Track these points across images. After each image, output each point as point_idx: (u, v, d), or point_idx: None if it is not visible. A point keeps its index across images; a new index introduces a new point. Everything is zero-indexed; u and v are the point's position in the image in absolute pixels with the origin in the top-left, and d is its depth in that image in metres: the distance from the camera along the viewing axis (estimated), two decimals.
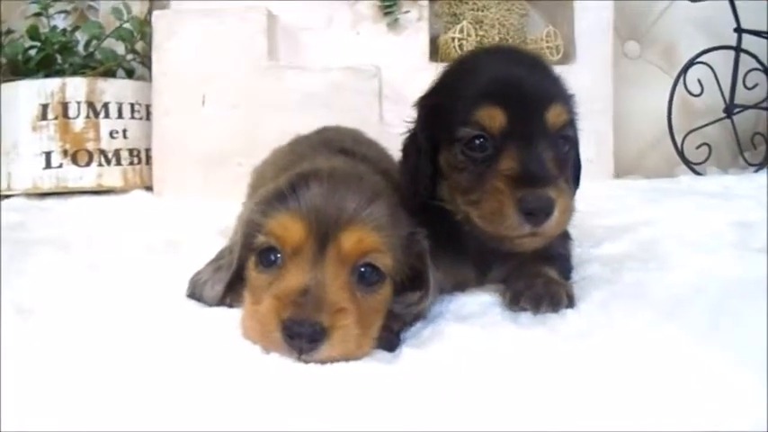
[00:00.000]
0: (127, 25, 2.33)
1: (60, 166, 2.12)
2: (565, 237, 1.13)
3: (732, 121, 2.50)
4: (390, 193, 0.96)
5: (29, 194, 2.12)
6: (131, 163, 2.20)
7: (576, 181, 1.13)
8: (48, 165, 2.11)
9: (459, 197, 1.01)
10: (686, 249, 1.18)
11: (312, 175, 0.90)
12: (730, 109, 2.48)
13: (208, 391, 0.71)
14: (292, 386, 0.73)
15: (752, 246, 1.22)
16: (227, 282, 0.96)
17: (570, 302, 0.94)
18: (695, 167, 2.44)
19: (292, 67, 2.15)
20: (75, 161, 2.12)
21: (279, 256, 0.86)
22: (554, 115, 0.98)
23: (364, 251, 0.86)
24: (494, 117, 0.96)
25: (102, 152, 2.14)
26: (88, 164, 2.13)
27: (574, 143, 1.08)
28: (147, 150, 2.23)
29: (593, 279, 1.07)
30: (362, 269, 0.87)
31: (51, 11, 2.44)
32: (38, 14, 2.38)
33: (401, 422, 0.67)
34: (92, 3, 2.70)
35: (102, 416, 0.66)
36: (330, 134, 1.37)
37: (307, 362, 0.77)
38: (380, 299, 0.89)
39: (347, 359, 0.79)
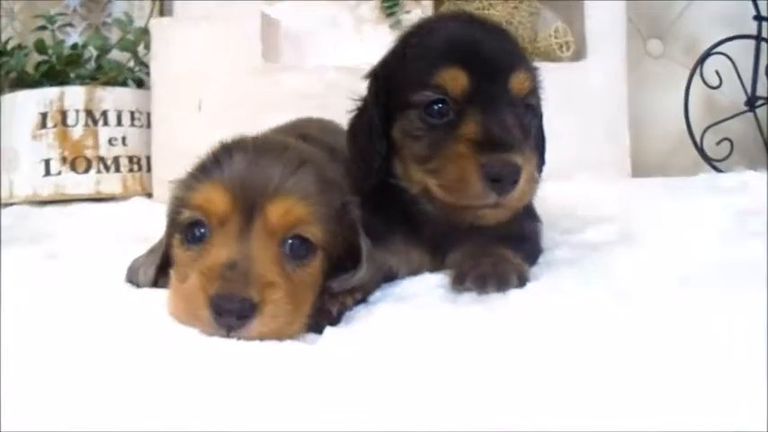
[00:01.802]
0: (130, 36, 2.33)
1: (59, 173, 2.11)
2: (530, 217, 1.06)
3: (755, 115, 2.39)
4: (319, 160, 0.91)
5: (30, 202, 2.11)
6: (131, 170, 2.18)
7: (540, 157, 1.06)
8: (47, 172, 2.11)
9: (415, 168, 0.95)
10: (666, 234, 1.09)
11: (235, 145, 0.86)
12: (752, 101, 2.36)
13: (128, 370, 0.66)
14: (210, 366, 0.68)
15: (748, 230, 1.13)
16: (158, 264, 0.92)
17: (521, 283, 0.86)
18: (717, 164, 2.33)
19: (287, 68, 2.12)
20: (73, 168, 2.11)
21: (204, 230, 0.82)
22: (518, 81, 0.93)
23: (293, 222, 0.82)
24: (456, 79, 0.91)
25: (101, 159, 2.13)
26: (87, 171, 2.11)
27: (537, 114, 1.01)
28: (148, 157, 2.21)
29: (557, 262, 1.00)
30: (291, 241, 0.82)
31: (58, 23, 2.45)
32: (43, 28, 2.39)
33: (321, 404, 0.62)
34: (106, 19, 2.73)
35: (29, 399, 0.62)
36: (300, 123, 1.33)
37: (237, 339, 0.73)
38: (312, 272, 0.85)
39: (279, 336, 0.75)
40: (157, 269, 0.93)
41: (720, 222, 1.21)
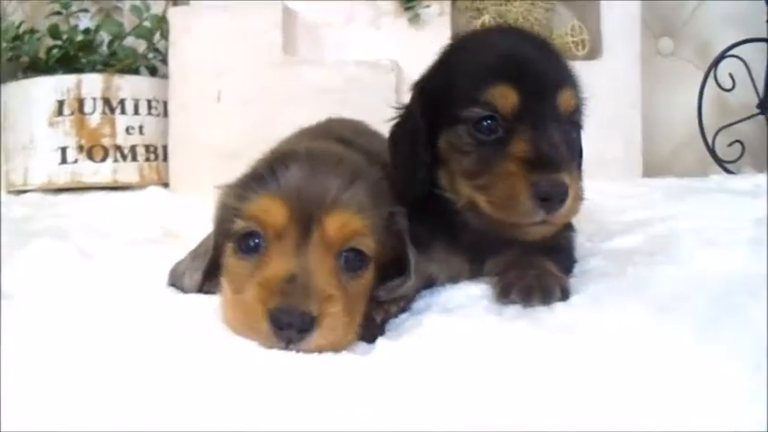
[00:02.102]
0: (146, 23, 2.33)
1: (76, 161, 2.12)
2: (567, 228, 1.07)
3: (766, 118, 2.40)
4: (371, 172, 0.92)
5: (45, 190, 2.12)
6: (148, 159, 2.19)
7: (578, 169, 1.07)
8: (63, 160, 2.12)
9: (463, 183, 0.95)
10: (698, 244, 1.11)
11: (290, 155, 0.86)
12: (764, 104, 2.38)
13: (184, 378, 0.68)
14: (266, 378, 0.69)
15: None
16: (205, 270, 0.93)
17: (564, 296, 0.88)
18: (728, 166, 2.35)
19: (307, 61, 2.13)
20: (90, 157, 2.12)
21: (259, 241, 0.82)
22: (566, 98, 0.94)
23: (349, 235, 0.83)
24: (506, 96, 0.91)
25: (118, 148, 2.14)
26: (104, 159, 2.13)
27: (580, 130, 1.03)
28: (164, 147, 2.22)
29: (594, 273, 1.01)
30: (346, 254, 0.83)
31: (73, 8, 2.44)
32: (57, 13, 2.39)
33: (374, 416, 0.63)
34: (117, 3, 2.72)
35: (82, 404, 0.63)
36: (332, 124, 1.33)
37: (296, 352, 0.74)
38: (364, 283, 0.86)
39: (335, 348, 0.76)
40: (204, 275, 0.93)
41: (743, 231, 1.23)
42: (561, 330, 0.79)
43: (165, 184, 2.20)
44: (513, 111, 0.91)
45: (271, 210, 0.81)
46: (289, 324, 0.73)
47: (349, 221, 0.82)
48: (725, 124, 2.41)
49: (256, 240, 0.82)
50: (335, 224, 0.81)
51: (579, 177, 0.95)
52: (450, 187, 0.98)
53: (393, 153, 1.04)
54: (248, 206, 0.83)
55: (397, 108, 1.07)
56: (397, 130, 1.05)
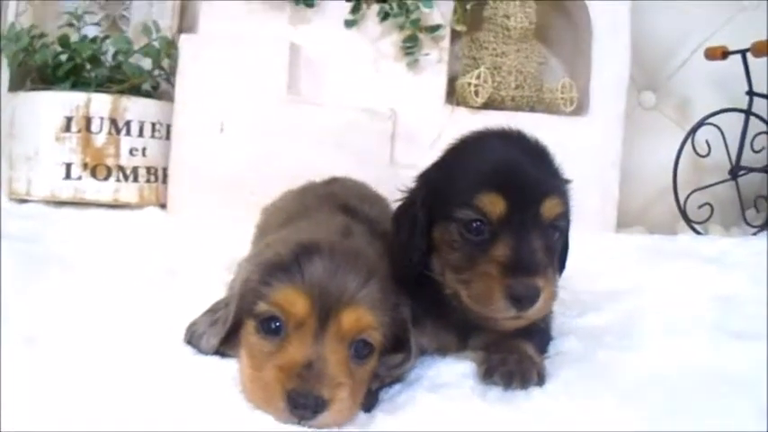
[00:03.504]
0: (155, 43, 2.40)
1: (79, 178, 2.20)
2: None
3: (737, 183, 2.54)
4: (383, 267, 1.04)
5: (47, 202, 2.20)
6: (148, 180, 2.27)
7: (561, 264, 1.19)
8: (67, 176, 2.19)
9: (449, 274, 1.07)
10: (661, 329, 1.22)
11: (314, 249, 0.97)
12: (736, 171, 2.51)
13: None
14: None
15: (730, 328, 1.26)
16: (222, 337, 1.03)
17: (540, 381, 1.00)
18: (697, 226, 2.48)
19: (310, 102, 2.22)
20: (94, 175, 2.20)
21: (280, 324, 0.93)
22: (550, 207, 1.05)
23: (361, 329, 0.94)
24: (495, 204, 1.02)
25: (121, 168, 2.22)
26: (106, 178, 2.21)
27: (564, 231, 1.14)
28: (165, 169, 2.30)
29: (567, 355, 1.13)
30: (357, 344, 0.95)
31: (86, 19, 2.51)
32: (70, 25, 2.45)
33: None
34: (124, 12, 2.78)
35: None
36: (337, 189, 1.44)
37: (307, 427, 0.86)
38: (369, 369, 0.98)
39: (339, 426, 0.88)
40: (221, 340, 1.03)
41: (705, 314, 1.35)
42: (537, 415, 0.91)
43: (163, 205, 2.28)
44: (500, 217, 1.02)
45: (295, 302, 0.91)
46: (304, 405, 0.85)
47: (363, 317, 0.93)
48: (697, 187, 2.53)
49: (277, 324, 0.93)
50: (351, 319, 0.92)
51: (554, 279, 1.06)
52: (441, 274, 1.09)
53: (394, 234, 1.16)
54: (273, 293, 0.93)
55: (402, 192, 1.18)
56: (400, 213, 1.17)
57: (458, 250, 1.06)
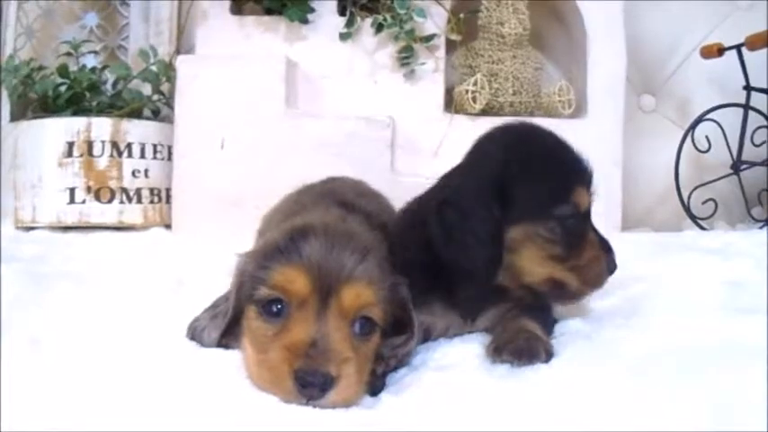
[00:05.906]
0: (153, 68, 2.43)
1: (83, 201, 2.21)
2: None
3: (739, 178, 2.54)
4: (379, 246, 1.03)
5: (53, 228, 2.21)
6: (152, 201, 2.29)
7: None
8: (72, 200, 2.21)
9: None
10: (670, 308, 1.22)
11: (309, 230, 0.97)
12: (737, 165, 2.51)
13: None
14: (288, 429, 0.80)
15: (738, 306, 1.25)
16: (224, 329, 1.03)
17: (548, 357, 1.00)
18: (702, 222, 2.48)
19: (309, 115, 2.23)
20: (97, 198, 2.21)
21: (282, 307, 0.93)
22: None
23: (362, 305, 0.94)
24: None
25: (124, 190, 2.24)
26: (110, 201, 2.22)
27: None
28: (168, 189, 2.32)
29: (573, 335, 1.12)
30: (359, 321, 0.94)
31: (83, 49, 2.55)
32: (68, 54, 2.49)
33: None
34: (122, 42, 2.82)
35: None
36: (334, 185, 1.45)
37: (314, 407, 0.85)
38: (372, 346, 0.97)
39: (347, 404, 0.87)
40: (222, 333, 1.04)
41: (711, 297, 1.35)
42: (544, 388, 0.90)
43: (168, 226, 2.29)
44: None
45: (295, 280, 0.92)
46: (312, 383, 0.84)
47: (362, 293, 0.93)
48: (699, 183, 2.54)
49: (279, 306, 0.93)
50: (351, 295, 0.92)
51: None
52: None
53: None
54: (272, 276, 0.93)
55: None
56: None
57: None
